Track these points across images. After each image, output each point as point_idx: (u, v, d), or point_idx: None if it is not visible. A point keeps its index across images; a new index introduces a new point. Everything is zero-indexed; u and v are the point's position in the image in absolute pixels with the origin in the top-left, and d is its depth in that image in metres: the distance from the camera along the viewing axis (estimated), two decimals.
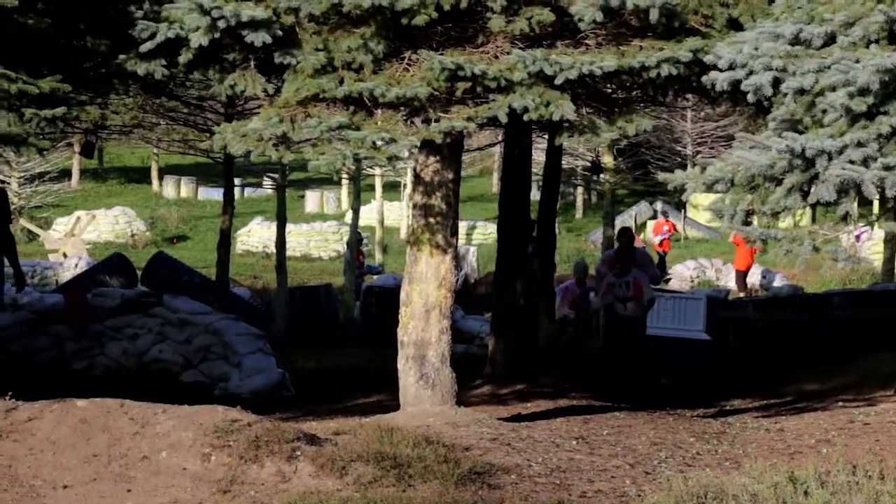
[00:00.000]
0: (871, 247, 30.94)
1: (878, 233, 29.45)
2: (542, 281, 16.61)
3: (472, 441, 9.48)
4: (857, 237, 30.04)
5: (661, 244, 31.90)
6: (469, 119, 9.52)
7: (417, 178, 10.94)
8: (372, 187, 41.10)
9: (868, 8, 7.96)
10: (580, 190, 49.28)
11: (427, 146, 10.08)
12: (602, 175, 32.02)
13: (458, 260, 11.28)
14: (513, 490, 8.16)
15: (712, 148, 39.47)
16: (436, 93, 9.48)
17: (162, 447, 8.28)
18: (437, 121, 9.52)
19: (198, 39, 9.42)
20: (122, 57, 10.20)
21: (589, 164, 33.86)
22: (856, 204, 7.59)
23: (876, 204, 7.87)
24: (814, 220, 8.29)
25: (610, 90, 10.51)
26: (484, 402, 13.11)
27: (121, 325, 16.05)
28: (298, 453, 8.24)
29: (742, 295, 25.13)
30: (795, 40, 8.13)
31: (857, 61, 7.53)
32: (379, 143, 9.21)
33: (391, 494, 7.70)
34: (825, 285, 29.14)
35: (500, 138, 27.27)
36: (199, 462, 8.13)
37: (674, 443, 10.37)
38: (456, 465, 8.32)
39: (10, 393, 8.89)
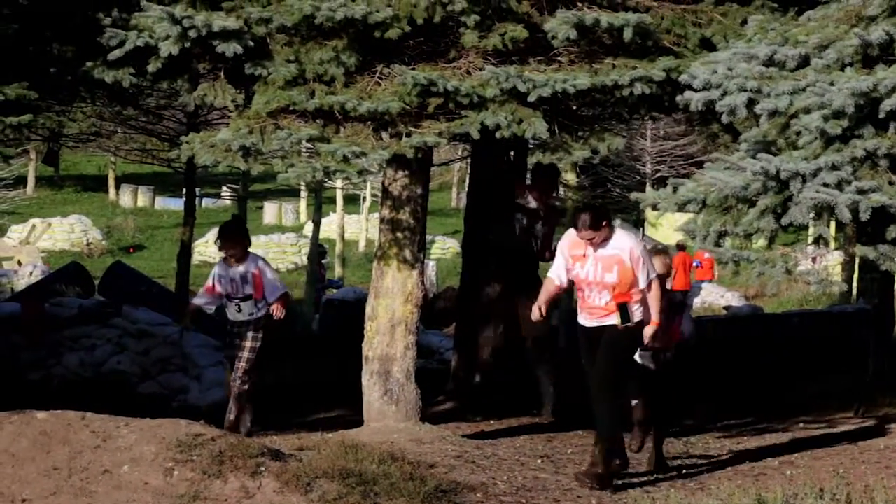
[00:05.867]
0: (830, 269, 31.24)
1: (836, 255, 29.76)
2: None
3: (437, 458, 9.41)
4: (814, 260, 30.32)
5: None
6: (440, 134, 9.45)
7: (386, 193, 10.84)
8: (332, 200, 40.97)
9: (842, 31, 7.97)
10: None
11: (396, 161, 9.99)
12: (563, 191, 32.19)
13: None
14: None
15: (671, 167, 39.59)
16: (407, 107, 9.41)
17: (124, 461, 8.14)
18: (408, 135, 9.45)
19: (168, 49, 9.31)
20: (89, 64, 10.07)
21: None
22: (830, 227, 7.58)
23: (833, 227, 7.87)
24: (771, 243, 8.24)
25: (581, 108, 10.48)
26: (447, 419, 13.00)
27: (78, 336, 15.82)
28: (263, 469, 8.12)
29: None
30: (769, 62, 8.13)
31: (832, 84, 7.53)
32: (349, 156, 9.12)
33: None
34: (781, 305, 29.36)
35: (460, 154, 27.23)
36: (162, 476, 8.00)
37: (636, 462, 10.34)
38: (422, 483, 8.23)
39: None
